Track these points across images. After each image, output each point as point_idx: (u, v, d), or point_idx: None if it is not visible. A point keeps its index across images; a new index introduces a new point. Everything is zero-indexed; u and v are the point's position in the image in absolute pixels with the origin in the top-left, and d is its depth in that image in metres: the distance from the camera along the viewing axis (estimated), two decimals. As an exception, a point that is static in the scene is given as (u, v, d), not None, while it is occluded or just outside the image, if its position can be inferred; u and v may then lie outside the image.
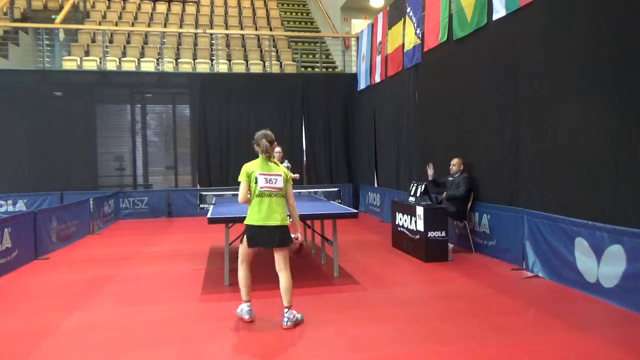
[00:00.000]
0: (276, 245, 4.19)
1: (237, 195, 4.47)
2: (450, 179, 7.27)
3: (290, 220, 4.37)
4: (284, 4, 19.56)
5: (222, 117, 12.59)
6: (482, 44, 6.96)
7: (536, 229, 5.72)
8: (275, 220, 4.14)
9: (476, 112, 7.13)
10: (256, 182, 4.16)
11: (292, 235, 4.33)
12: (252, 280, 4.37)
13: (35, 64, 12.58)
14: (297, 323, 4.18)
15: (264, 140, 4.20)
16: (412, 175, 9.34)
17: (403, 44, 9.69)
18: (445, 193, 7.15)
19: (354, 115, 13.17)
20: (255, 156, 4.31)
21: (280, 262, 4.22)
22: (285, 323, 4.12)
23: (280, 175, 4.21)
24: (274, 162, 4.29)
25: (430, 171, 7.53)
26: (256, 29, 16.92)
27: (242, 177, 4.21)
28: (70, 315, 4.54)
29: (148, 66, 13.12)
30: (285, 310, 4.16)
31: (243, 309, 4.32)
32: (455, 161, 7.26)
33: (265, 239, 4.17)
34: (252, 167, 4.22)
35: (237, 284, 4.49)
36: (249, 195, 4.23)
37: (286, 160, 8.12)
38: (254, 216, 4.17)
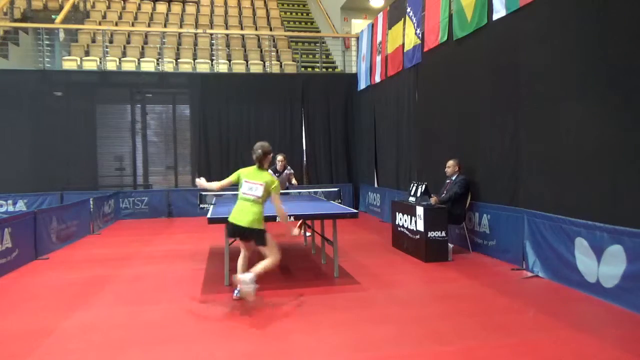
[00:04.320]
0: (253, 243, 4.77)
1: (237, 195, 4.89)
2: (447, 181, 7.19)
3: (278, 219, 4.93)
4: (284, 4, 19.56)
5: (222, 117, 12.58)
6: (482, 44, 6.96)
7: (536, 229, 5.72)
8: (242, 222, 4.62)
9: (476, 112, 7.13)
10: (240, 187, 4.76)
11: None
12: (247, 263, 4.88)
13: (35, 64, 12.57)
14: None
15: (259, 150, 4.75)
16: (412, 175, 9.34)
17: (403, 44, 9.69)
18: (434, 197, 6.86)
19: (354, 115, 13.16)
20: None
21: (264, 252, 4.75)
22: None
23: (262, 184, 4.66)
24: (264, 171, 4.80)
25: (432, 200, 6.86)
26: (256, 29, 16.92)
27: (233, 176, 4.85)
28: (70, 315, 4.54)
29: (148, 66, 13.11)
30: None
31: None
32: (450, 163, 7.17)
33: (238, 233, 4.73)
34: (244, 172, 4.81)
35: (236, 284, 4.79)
36: (223, 185, 4.95)
37: (288, 167, 8.48)
38: (232, 213, 4.74)
